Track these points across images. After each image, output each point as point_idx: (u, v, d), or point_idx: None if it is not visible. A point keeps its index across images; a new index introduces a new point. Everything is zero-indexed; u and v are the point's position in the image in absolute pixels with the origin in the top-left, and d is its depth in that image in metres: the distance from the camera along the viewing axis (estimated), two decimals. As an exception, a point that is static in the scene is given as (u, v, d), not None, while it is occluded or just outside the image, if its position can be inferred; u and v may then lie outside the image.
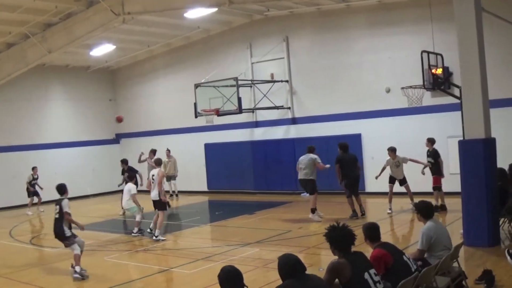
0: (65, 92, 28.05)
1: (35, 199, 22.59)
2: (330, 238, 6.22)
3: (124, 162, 20.28)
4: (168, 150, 24.13)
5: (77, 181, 24.23)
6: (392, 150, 16.79)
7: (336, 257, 6.16)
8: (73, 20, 20.47)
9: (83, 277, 11.27)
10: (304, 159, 16.57)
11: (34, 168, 22.75)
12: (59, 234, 11.54)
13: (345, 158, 16.65)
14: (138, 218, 15.69)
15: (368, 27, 20.81)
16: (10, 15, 19.29)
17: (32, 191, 22.50)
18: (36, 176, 22.69)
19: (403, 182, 16.92)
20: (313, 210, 16.19)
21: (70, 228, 11.61)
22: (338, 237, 6.18)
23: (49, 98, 27.45)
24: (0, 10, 18.67)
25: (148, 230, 15.38)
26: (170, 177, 23.78)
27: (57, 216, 11.50)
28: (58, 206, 11.52)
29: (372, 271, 5.98)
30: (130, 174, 17.88)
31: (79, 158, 27.27)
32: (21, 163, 24.76)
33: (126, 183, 16.94)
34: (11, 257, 14.18)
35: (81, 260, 11.45)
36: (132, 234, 15.57)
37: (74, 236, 11.60)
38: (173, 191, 24.36)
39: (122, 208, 19.34)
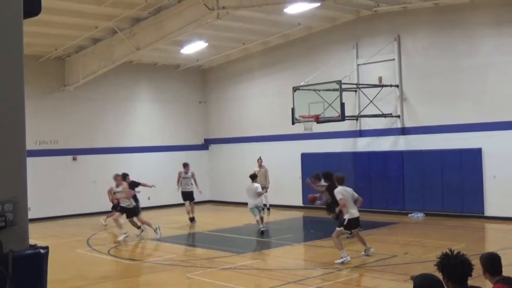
0: (153, 92, 28.95)
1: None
2: (443, 267, 6.02)
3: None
4: (261, 159, 24.31)
5: (162, 188, 24.74)
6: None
7: None
8: (164, 14, 21.11)
9: None
10: None
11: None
12: None
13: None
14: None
15: (496, 25, 20.23)
16: (97, 8, 20.06)
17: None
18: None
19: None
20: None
21: None
22: (453, 267, 6.00)
23: (135, 98, 28.42)
24: (87, 3, 19.50)
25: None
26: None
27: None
28: None
29: None
30: None
31: (165, 164, 27.80)
32: (102, 168, 25.66)
33: None
34: (87, 268, 14.73)
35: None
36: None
37: None
38: (264, 204, 24.48)
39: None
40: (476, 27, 20.70)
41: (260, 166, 24.41)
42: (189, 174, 22.73)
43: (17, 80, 4.20)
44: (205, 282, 12.72)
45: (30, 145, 4.48)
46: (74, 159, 26.06)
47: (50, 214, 22.26)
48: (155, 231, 18.49)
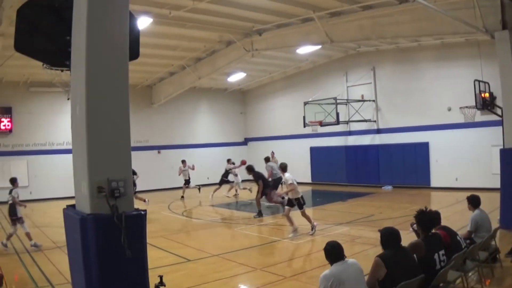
0: (209, 106, 29.06)
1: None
2: (420, 220, 6.02)
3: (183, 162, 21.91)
4: (273, 152, 23.94)
5: (215, 172, 24.92)
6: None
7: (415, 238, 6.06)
8: (216, 55, 21.22)
9: (37, 247, 10.97)
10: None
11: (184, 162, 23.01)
12: (12, 215, 11.25)
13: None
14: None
15: (435, 61, 20.15)
16: (173, 53, 20.35)
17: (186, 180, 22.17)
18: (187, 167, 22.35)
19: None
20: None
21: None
22: (426, 220, 6.01)
23: (197, 111, 28.56)
24: (167, 50, 19.73)
25: None
26: None
27: (11, 201, 11.25)
28: (10, 195, 11.28)
29: (442, 252, 5.76)
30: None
31: (217, 155, 27.93)
32: (177, 158, 25.93)
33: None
34: (169, 223, 14.96)
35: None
36: None
37: (22, 218, 11.31)
38: None
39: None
40: (422, 62, 20.63)
41: (273, 157, 24.17)
42: (186, 167, 21.96)
43: (124, 101, 4.42)
44: (246, 234, 12.84)
45: (132, 143, 4.68)
46: (159, 152, 26.37)
47: (144, 188, 22.50)
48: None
